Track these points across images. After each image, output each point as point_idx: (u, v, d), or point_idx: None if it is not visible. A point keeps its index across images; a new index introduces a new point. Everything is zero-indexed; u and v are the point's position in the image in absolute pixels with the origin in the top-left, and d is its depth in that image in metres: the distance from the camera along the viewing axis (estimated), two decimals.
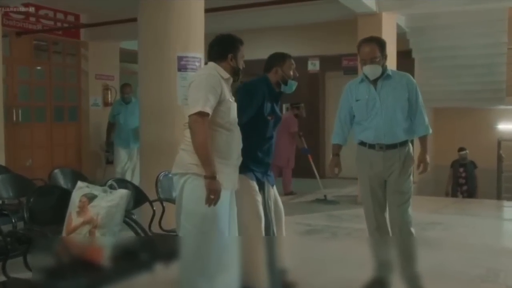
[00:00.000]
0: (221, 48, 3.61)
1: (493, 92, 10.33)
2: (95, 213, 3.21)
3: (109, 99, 10.89)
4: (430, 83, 10.26)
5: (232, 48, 3.60)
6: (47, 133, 10.05)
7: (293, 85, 4.12)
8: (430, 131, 4.33)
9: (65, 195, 3.51)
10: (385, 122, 4.16)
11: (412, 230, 4.23)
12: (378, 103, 4.19)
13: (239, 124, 3.61)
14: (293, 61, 4.15)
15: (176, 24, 5.51)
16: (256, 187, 3.97)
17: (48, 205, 3.59)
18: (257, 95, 3.93)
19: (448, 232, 6.39)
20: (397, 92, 4.20)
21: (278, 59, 4.12)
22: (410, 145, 4.32)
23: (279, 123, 4.18)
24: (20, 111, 9.48)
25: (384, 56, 4.21)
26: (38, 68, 10.29)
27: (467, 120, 11.77)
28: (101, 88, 10.88)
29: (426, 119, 4.30)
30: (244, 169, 3.76)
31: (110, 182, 3.54)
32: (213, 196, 3.26)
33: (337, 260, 4.48)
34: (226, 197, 3.43)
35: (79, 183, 3.41)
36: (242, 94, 3.90)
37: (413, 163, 4.32)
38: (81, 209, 3.25)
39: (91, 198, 3.28)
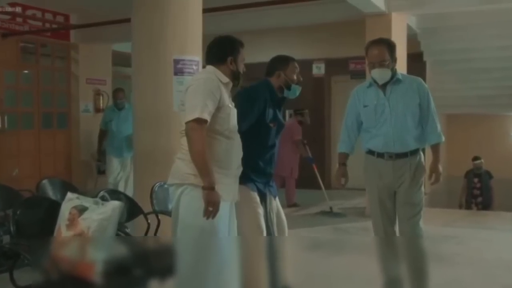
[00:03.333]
0: (220, 50, 3.62)
1: (509, 97, 10.29)
2: (86, 226, 3.22)
3: (101, 105, 10.88)
4: (442, 87, 10.23)
5: (231, 50, 3.61)
6: (35, 141, 10.03)
7: (296, 90, 4.12)
8: (443, 139, 4.34)
9: (54, 207, 3.53)
10: (395, 130, 4.16)
11: None
12: (387, 109, 4.19)
13: (239, 131, 3.62)
14: (296, 65, 4.15)
15: (172, 25, 5.51)
16: (257, 199, 3.96)
17: (36, 218, 3.61)
18: (258, 101, 3.93)
19: (462, 247, 6.38)
20: (407, 98, 4.20)
21: (281, 62, 4.12)
22: (422, 154, 4.33)
23: (282, 130, 4.19)
24: (6, 117, 9.47)
25: (393, 59, 4.22)
26: (25, 72, 10.28)
27: (482, 127, 11.75)
28: (92, 93, 10.87)
29: (439, 126, 4.31)
30: (244, 179, 3.76)
31: (102, 193, 3.57)
32: (211, 208, 3.26)
33: (344, 276, 4.47)
34: (226, 209, 3.42)
35: (69, 195, 3.43)
36: (242, 99, 3.90)
37: (425, 173, 4.33)
38: (71, 222, 3.27)
39: (82, 210, 3.30)
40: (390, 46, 4.26)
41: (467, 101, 10.69)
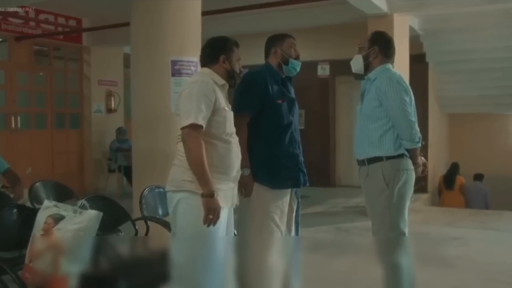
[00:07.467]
0: (212, 50, 3.25)
1: (511, 97, 9.96)
2: (60, 237, 2.79)
3: (113, 106, 10.63)
4: (444, 88, 10.06)
5: (223, 49, 3.23)
6: (48, 140, 9.75)
7: (296, 65, 3.62)
8: (414, 144, 3.46)
9: (33, 215, 3.09)
10: (356, 135, 3.61)
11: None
12: (359, 110, 3.66)
13: (241, 112, 3.35)
14: (294, 41, 3.67)
15: (171, 26, 5.15)
16: (273, 197, 3.49)
17: (15, 228, 3.18)
18: (256, 83, 3.48)
19: (465, 249, 5.88)
20: (368, 100, 3.55)
21: (276, 38, 3.68)
22: (395, 161, 3.45)
23: (295, 107, 3.65)
24: (19, 117, 9.20)
25: (370, 48, 3.61)
26: (40, 74, 10.00)
27: (484, 126, 11.39)
28: (104, 94, 10.60)
29: (409, 130, 3.42)
30: (266, 175, 3.44)
31: (82, 201, 3.11)
32: (211, 215, 2.92)
33: (344, 281, 4.07)
34: (223, 215, 3.04)
35: (46, 202, 3.01)
36: (240, 84, 3.42)
37: (398, 181, 3.44)
38: (46, 232, 2.85)
39: (58, 219, 2.88)
40: (374, 36, 3.73)
41: (469, 100, 10.36)
